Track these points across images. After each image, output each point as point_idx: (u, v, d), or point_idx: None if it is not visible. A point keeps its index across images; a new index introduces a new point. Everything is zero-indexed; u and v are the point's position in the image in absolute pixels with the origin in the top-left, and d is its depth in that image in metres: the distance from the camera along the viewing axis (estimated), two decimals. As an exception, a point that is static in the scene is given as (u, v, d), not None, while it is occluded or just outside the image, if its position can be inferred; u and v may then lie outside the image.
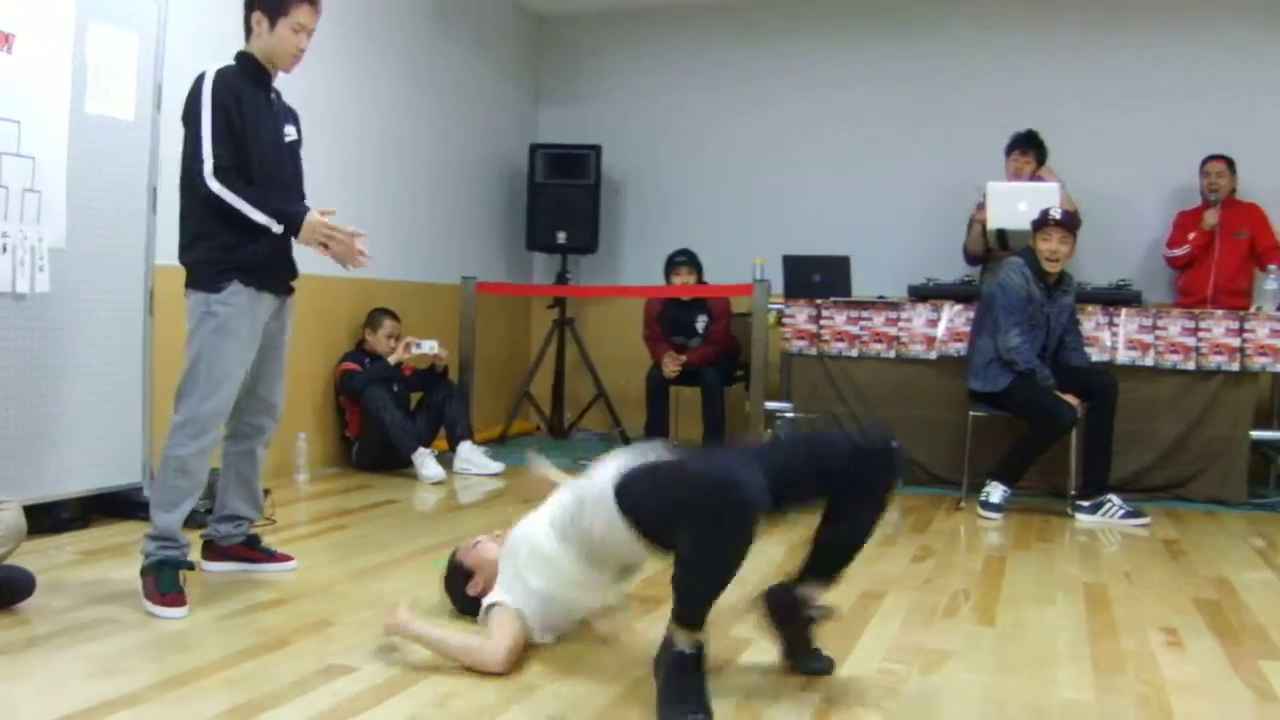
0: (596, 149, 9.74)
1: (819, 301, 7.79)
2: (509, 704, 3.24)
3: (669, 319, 8.53)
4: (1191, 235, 8.13)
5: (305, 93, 5.14)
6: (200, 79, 4.26)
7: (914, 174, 9.25)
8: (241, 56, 4.41)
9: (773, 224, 9.41)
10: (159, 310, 5.72)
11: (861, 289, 7.96)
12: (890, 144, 9.41)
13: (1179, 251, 8.22)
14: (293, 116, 4.62)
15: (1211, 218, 8.05)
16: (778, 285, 7.90)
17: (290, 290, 4.59)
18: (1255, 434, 7.31)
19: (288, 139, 4.55)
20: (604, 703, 3.29)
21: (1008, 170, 8.15)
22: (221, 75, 4.27)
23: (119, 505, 5.57)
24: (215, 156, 4.19)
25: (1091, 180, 8.42)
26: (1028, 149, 8.12)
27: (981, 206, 8.00)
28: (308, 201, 4.52)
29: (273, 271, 4.45)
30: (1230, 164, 8.19)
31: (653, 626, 3.93)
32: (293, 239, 4.38)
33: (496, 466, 7.54)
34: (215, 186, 4.19)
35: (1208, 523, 6.70)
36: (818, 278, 7.88)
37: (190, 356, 4.30)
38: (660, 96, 10.12)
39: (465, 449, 7.58)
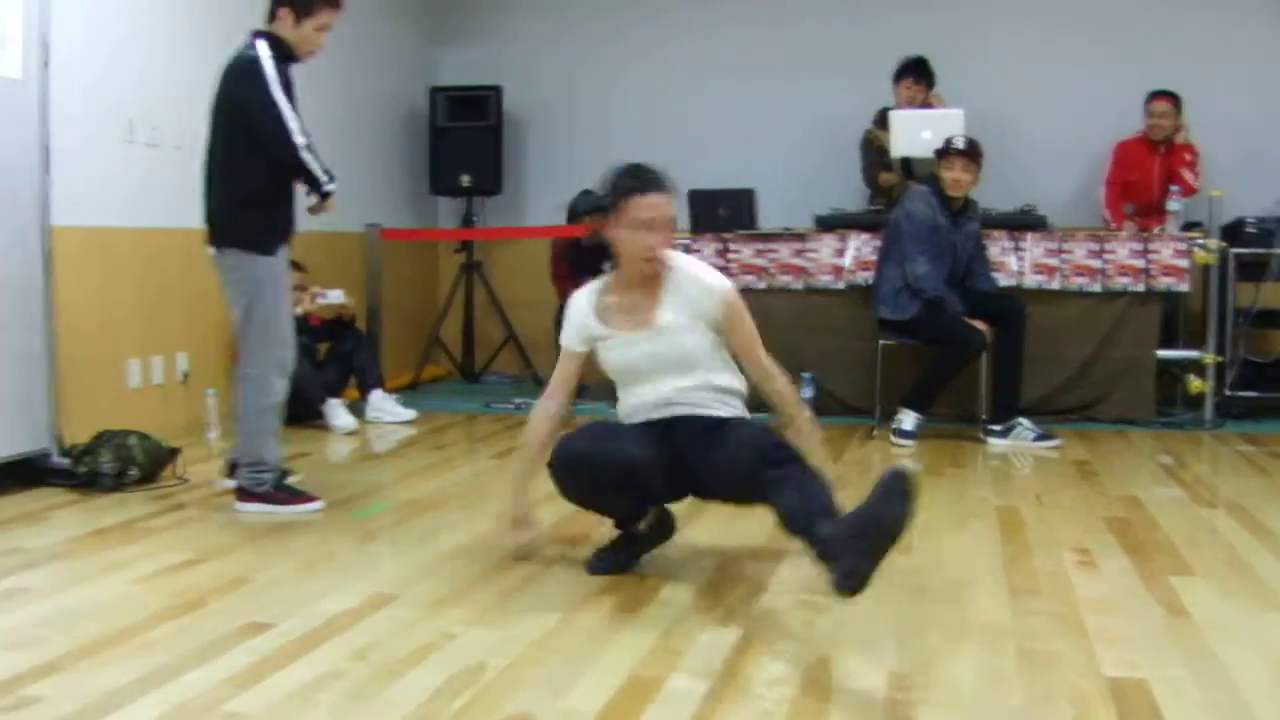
0: (498, 89, 9.65)
1: (725, 235, 7.77)
2: (427, 653, 3.22)
3: (576, 259, 8.47)
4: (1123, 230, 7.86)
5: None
6: (254, 60, 4.75)
7: (817, 104, 9.21)
8: (272, 38, 4.84)
9: (677, 159, 9.18)
10: (60, 271, 5.59)
11: (768, 221, 7.94)
12: (793, 76, 9.38)
13: (1112, 221, 8.22)
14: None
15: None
16: (684, 221, 7.86)
17: None
18: (1161, 353, 7.41)
19: None
20: (520, 649, 3.27)
21: (898, 98, 8.16)
22: (271, 58, 4.77)
23: (27, 472, 5.42)
24: (305, 134, 4.81)
25: (995, 107, 8.45)
26: (919, 77, 8.14)
27: (873, 128, 8.09)
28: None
29: None
30: (1176, 103, 8.22)
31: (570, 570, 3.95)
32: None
33: (408, 414, 7.49)
34: (307, 157, 4.81)
35: (1117, 442, 6.80)
36: (723, 211, 7.85)
37: (258, 313, 4.87)
38: (562, 34, 9.98)
39: (377, 397, 7.51)
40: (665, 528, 4.23)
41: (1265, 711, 2.86)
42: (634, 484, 3.88)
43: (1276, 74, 8.76)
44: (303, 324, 7.38)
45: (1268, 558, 4.33)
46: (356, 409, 7.37)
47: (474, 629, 3.45)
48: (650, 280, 4.00)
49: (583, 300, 4.15)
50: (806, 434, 4.00)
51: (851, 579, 3.13)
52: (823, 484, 3.54)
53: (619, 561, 4.09)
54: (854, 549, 3.14)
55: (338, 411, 7.13)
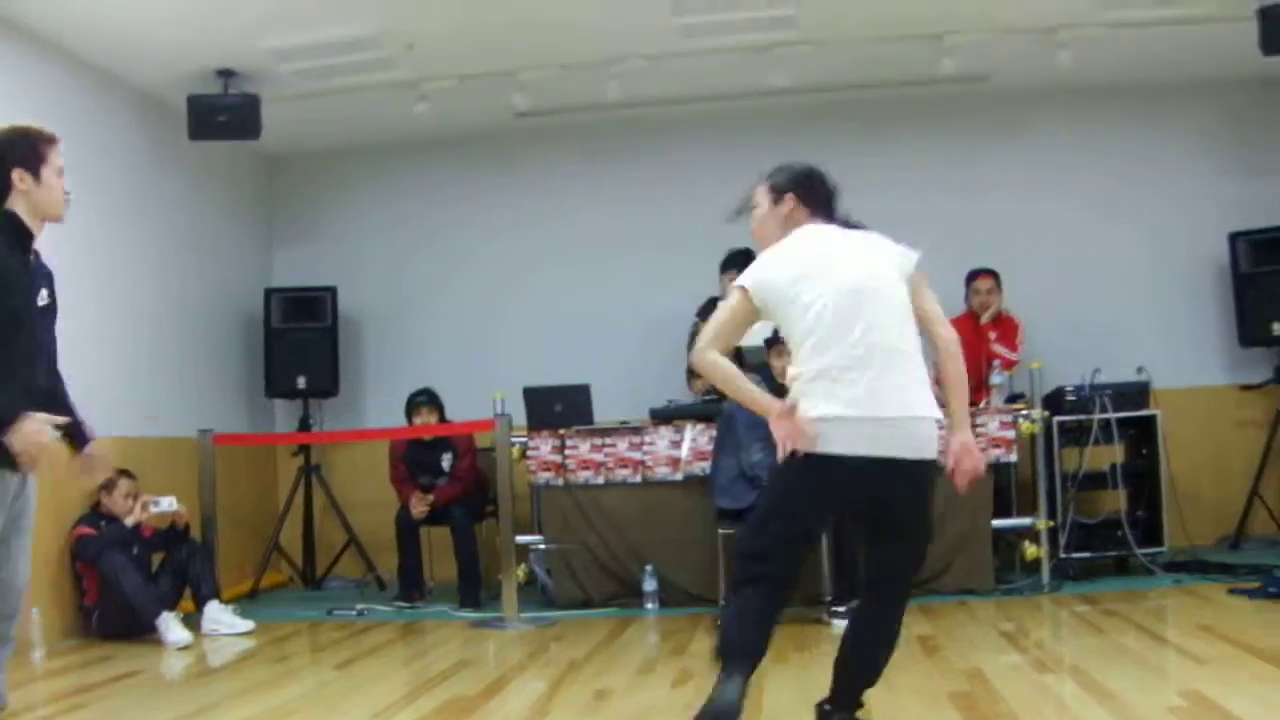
0: (332, 290, 9.65)
1: (562, 431, 7.79)
2: None
3: (415, 459, 8.43)
4: None
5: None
6: None
7: (648, 298, 9.36)
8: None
9: (511, 357, 9.34)
10: None
11: (603, 415, 7.99)
12: (624, 270, 9.53)
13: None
14: (47, 279, 4.26)
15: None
16: (520, 418, 7.86)
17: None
18: (996, 523, 7.56)
19: (41, 303, 4.18)
20: None
21: (724, 288, 8.28)
22: None
23: None
24: None
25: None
26: (744, 268, 8.24)
27: (699, 320, 8.20)
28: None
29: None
30: (997, 280, 8.53)
31: None
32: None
33: (246, 625, 7.29)
34: None
35: (960, 614, 6.86)
36: (559, 408, 7.90)
37: None
38: (395, 234, 10.05)
39: (212, 609, 7.30)
40: None
41: None
42: None
43: (1086, 249, 9.12)
44: (135, 534, 7.21)
45: (1108, 721, 4.36)
46: (192, 621, 7.16)
47: None
48: None
49: None
50: None
51: None
52: None
53: None
54: None
55: (171, 626, 6.90)
